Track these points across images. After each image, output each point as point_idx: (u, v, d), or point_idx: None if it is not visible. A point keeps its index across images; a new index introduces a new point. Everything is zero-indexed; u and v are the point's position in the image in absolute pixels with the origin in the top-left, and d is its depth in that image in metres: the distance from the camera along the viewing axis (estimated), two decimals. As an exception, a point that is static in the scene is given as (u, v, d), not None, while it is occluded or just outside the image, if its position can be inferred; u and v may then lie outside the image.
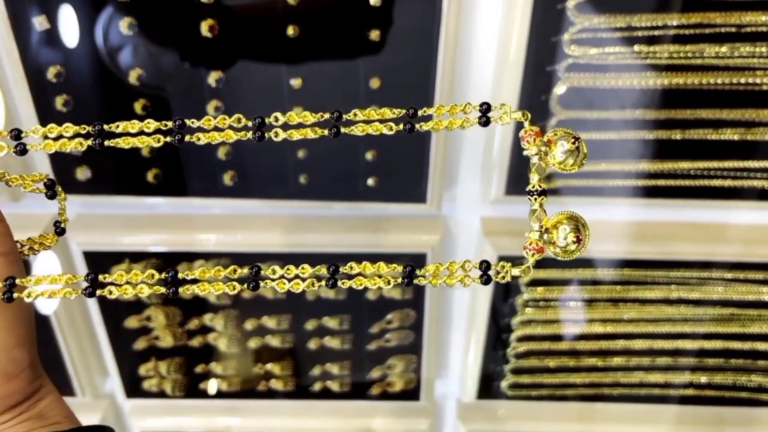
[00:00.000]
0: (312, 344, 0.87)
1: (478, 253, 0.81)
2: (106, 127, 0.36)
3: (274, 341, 0.87)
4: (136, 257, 0.79)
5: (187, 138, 0.36)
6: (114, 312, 0.84)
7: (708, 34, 0.66)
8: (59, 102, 0.67)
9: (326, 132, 0.36)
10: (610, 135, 0.71)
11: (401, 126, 0.36)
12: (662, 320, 0.84)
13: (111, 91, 0.68)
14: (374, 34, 0.65)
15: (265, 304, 0.85)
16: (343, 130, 0.36)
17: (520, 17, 0.64)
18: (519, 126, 0.75)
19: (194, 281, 0.37)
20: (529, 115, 0.36)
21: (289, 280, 0.36)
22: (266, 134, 0.36)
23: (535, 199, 0.36)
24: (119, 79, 0.67)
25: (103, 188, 0.74)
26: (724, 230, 0.79)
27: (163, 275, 0.37)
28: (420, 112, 0.36)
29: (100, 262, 0.79)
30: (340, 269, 0.36)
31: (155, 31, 0.65)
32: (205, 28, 0.64)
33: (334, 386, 0.91)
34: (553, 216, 0.37)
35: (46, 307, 0.82)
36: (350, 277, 0.36)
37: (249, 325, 0.86)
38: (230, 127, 0.36)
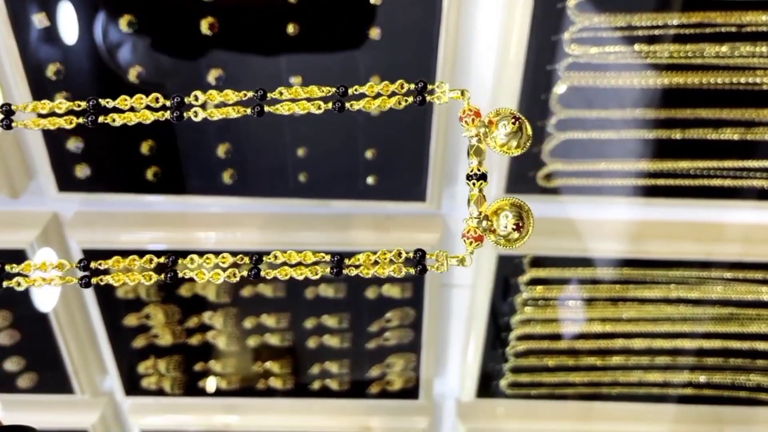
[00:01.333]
0: (311, 342, 0.87)
1: (478, 252, 0.81)
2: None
3: (273, 339, 0.87)
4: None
5: (101, 119, 0.35)
6: (113, 310, 0.84)
7: (708, 33, 0.66)
8: (58, 99, 0.67)
9: (249, 111, 0.35)
10: (610, 134, 0.71)
11: (330, 105, 0.35)
12: (661, 319, 0.84)
13: (110, 88, 0.68)
14: (374, 33, 0.65)
15: (265, 302, 0.85)
16: (268, 109, 0.35)
17: (520, 16, 0.64)
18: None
19: (105, 272, 0.36)
20: (469, 94, 0.35)
21: (209, 271, 0.36)
22: (185, 114, 0.35)
23: (474, 183, 0.35)
24: (118, 77, 0.67)
25: (103, 186, 0.73)
26: (723, 230, 0.79)
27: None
28: (351, 91, 0.35)
29: (99, 259, 0.79)
30: (264, 259, 0.35)
31: (155, 29, 0.65)
32: (205, 26, 0.64)
33: (333, 385, 0.91)
34: (494, 202, 0.35)
35: (44, 304, 0.82)
36: (274, 266, 0.35)
37: (248, 323, 0.86)
38: (147, 107, 0.35)
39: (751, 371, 0.88)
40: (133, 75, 0.67)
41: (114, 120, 0.35)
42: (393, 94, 0.35)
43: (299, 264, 0.35)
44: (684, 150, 0.72)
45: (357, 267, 0.35)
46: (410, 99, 0.35)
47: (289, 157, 0.72)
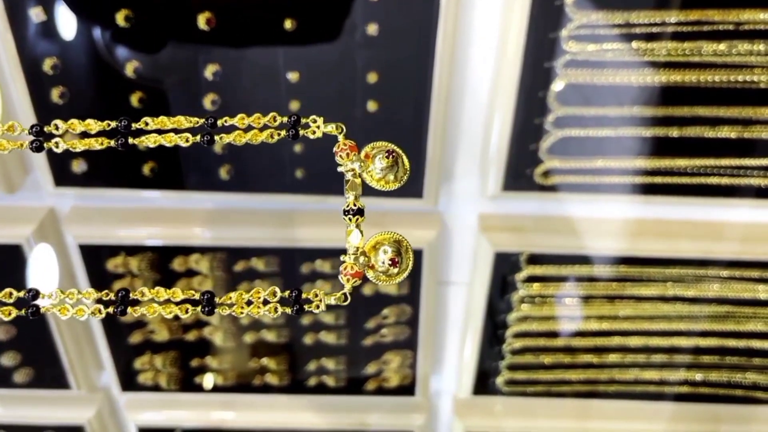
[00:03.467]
0: (307, 339, 0.87)
1: (475, 250, 0.81)
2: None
3: (269, 336, 0.87)
4: (131, 251, 0.79)
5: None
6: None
7: (706, 31, 0.66)
8: (55, 94, 0.67)
9: (113, 143, 0.34)
10: (608, 131, 0.71)
11: (198, 138, 0.34)
12: (658, 317, 0.84)
13: (107, 83, 0.68)
14: (372, 29, 0.65)
15: (261, 299, 0.84)
16: (133, 141, 0.34)
17: (518, 13, 0.64)
18: (520, 121, 0.75)
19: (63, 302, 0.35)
20: (344, 128, 0.34)
21: (73, 306, 0.35)
22: (46, 144, 0.34)
23: (350, 218, 0.34)
24: (116, 72, 0.67)
25: (99, 181, 0.73)
26: (720, 228, 0.79)
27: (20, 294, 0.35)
28: (220, 122, 0.34)
29: (95, 255, 0.79)
30: (131, 295, 0.35)
31: (152, 24, 0.65)
32: (202, 21, 0.64)
33: (329, 381, 0.91)
34: (372, 237, 0.34)
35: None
36: (140, 303, 0.34)
37: (244, 319, 0.86)
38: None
39: (748, 369, 0.89)
40: (130, 70, 0.66)
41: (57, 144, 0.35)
42: (265, 127, 0.34)
43: (167, 301, 0.35)
44: (681, 148, 0.72)
45: (230, 306, 0.35)
46: (283, 133, 0.34)
47: (287, 153, 0.72)
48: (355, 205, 0.34)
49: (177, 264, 0.80)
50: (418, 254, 0.79)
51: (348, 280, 0.34)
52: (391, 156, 0.34)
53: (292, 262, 0.80)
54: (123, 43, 0.66)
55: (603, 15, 0.65)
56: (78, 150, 0.35)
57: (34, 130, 0.35)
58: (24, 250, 0.77)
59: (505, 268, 0.81)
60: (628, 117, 0.71)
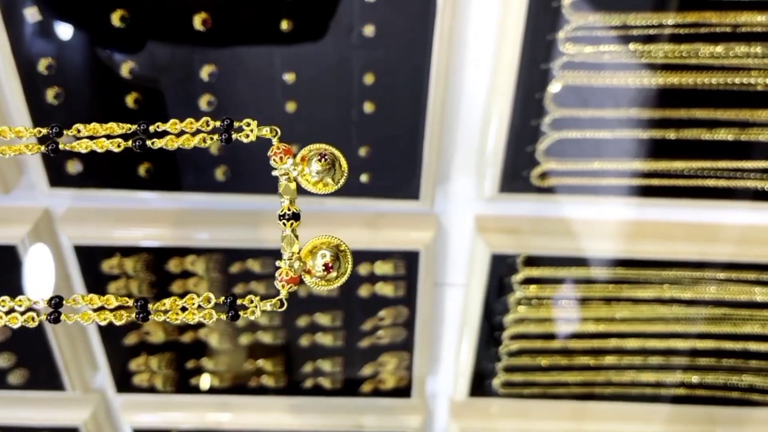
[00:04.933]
0: (304, 341, 0.87)
1: (472, 251, 0.80)
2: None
3: (265, 337, 0.87)
4: (127, 252, 0.79)
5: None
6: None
7: (703, 33, 0.66)
8: (50, 94, 0.67)
9: (43, 149, 0.34)
10: (605, 134, 0.71)
11: (130, 143, 0.33)
12: (655, 319, 0.84)
13: (103, 84, 0.68)
14: (369, 30, 0.65)
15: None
16: (63, 147, 0.34)
17: (515, 14, 0.64)
18: (516, 122, 0.75)
19: None
20: (278, 131, 0.33)
21: (7, 314, 0.34)
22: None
23: (285, 223, 0.33)
24: (111, 72, 0.66)
25: (94, 181, 0.73)
26: (717, 230, 0.79)
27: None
28: (152, 128, 0.33)
29: (91, 256, 0.79)
30: (65, 302, 0.34)
31: (148, 24, 0.65)
32: (198, 21, 0.64)
33: (325, 383, 0.91)
34: (309, 242, 0.34)
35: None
36: (76, 310, 0.34)
37: (241, 321, 0.85)
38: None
39: (744, 372, 0.88)
40: (125, 70, 0.66)
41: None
42: (197, 132, 0.34)
43: (102, 308, 0.34)
44: (678, 150, 0.72)
45: (165, 312, 0.34)
46: (215, 137, 0.34)
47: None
48: (290, 209, 0.33)
49: (173, 265, 0.80)
50: (414, 256, 0.79)
51: (283, 286, 0.33)
52: (325, 158, 0.33)
53: (288, 263, 0.80)
54: (118, 43, 0.65)
55: (600, 17, 0.65)
56: (8, 157, 0.35)
57: (54, 130, 0.34)
58: (19, 251, 0.76)
59: (501, 269, 0.81)
60: (625, 119, 0.71)
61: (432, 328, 0.88)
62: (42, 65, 0.65)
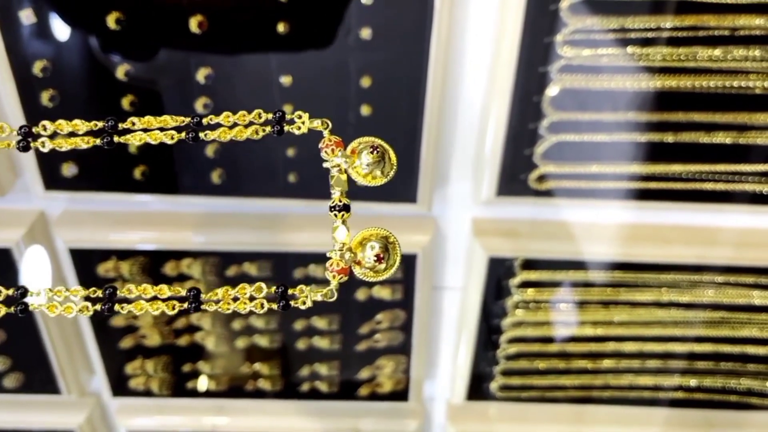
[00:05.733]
0: (300, 344, 0.87)
1: (470, 254, 0.80)
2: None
3: (262, 341, 0.86)
4: (123, 255, 0.78)
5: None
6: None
7: (701, 36, 0.66)
8: (45, 97, 0.67)
9: (99, 141, 0.34)
10: (603, 137, 0.71)
11: (183, 135, 0.34)
12: (653, 323, 0.84)
13: (98, 86, 0.67)
14: (366, 33, 0.65)
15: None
16: (118, 140, 0.34)
17: (512, 17, 0.63)
18: (514, 125, 0.75)
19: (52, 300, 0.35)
20: (329, 124, 0.34)
21: (61, 304, 0.35)
22: (32, 144, 0.34)
23: (336, 215, 0.34)
24: (107, 75, 0.66)
25: (90, 184, 0.73)
26: (715, 233, 0.79)
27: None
28: (205, 121, 0.34)
29: (86, 259, 0.78)
30: (118, 292, 0.34)
31: (143, 27, 0.65)
32: (194, 24, 0.63)
33: (322, 387, 0.91)
34: (359, 233, 0.34)
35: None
36: (129, 301, 0.34)
37: (237, 324, 0.85)
38: None
39: (742, 375, 0.88)
40: (121, 73, 0.66)
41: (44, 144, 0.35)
42: (250, 124, 0.34)
43: (155, 298, 0.34)
44: (676, 153, 0.72)
45: (216, 302, 0.34)
46: (267, 129, 0.34)
47: (279, 157, 0.71)
48: (341, 201, 0.34)
49: (169, 268, 0.80)
50: (412, 259, 0.79)
51: (334, 277, 0.34)
52: (376, 151, 0.33)
53: (285, 266, 0.80)
54: (114, 46, 0.65)
55: (598, 20, 0.65)
56: (64, 149, 0.35)
57: (22, 130, 0.34)
58: (13, 254, 0.76)
59: (499, 273, 0.80)
60: (623, 122, 0.70)
61: (429, 332, 0.88)
62: (37, 67, 0.65)
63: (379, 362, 0.89)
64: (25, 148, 0.35)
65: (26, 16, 0.63)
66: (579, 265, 0.80)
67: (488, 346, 0.87)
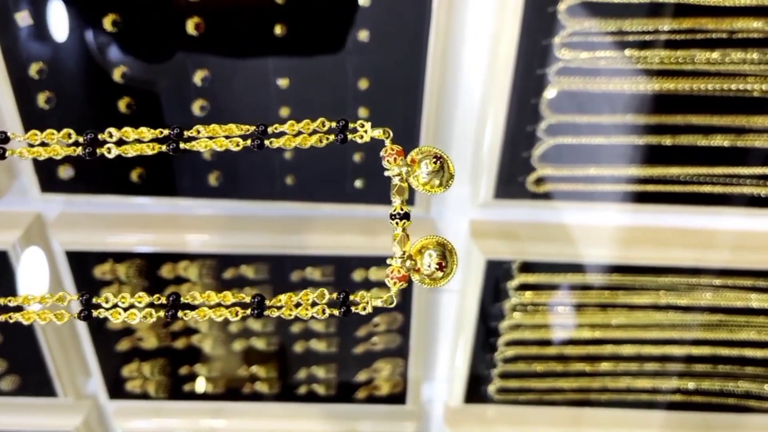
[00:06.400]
0: (298, 347, 0.87)
1: (467, 257, 0.80)
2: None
3: (259, 343, 0.86)
4: (119, 257, 0.78)
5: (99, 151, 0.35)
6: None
7: (699, 39, 0.66)
8: (42, 99, 0.66)
9: (164, 148, 0.35)
10: (600, 139, 0.71)
11: (249, 142, 0.35)
12: (650, 326, 0.84)
13: (95, 88, 0.67)
14: (363, 35, 0.64)
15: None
16: (184, 146, 0.35)
17: (510, 20, 0.63)
18: (512, 128, 0.74)
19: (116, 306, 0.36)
20: (391, 133, 0.34)
21: (125, 310, 0.35)
22: (98, 150, 0.35)
23: (397, 223, 0.34)
24: (103, 77, 0.66)
25: (86, 187, 0.72)
26: (713, 236, 0.79)
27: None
28: (270, 129, 0.35)
29: (83, 261, 0.78)
30: (182, 299, 0.35)
31: (140, 29, 0.64)
32: (191, 26, 0.63)
33: (320, 389, 0.90)
34: (417, 241, 0.35)
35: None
36: (193, 307, 0.35)
37: (234, 327, 0.85)
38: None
39: (740, 378, 0.88)
40: (117, 75, 0.66)
41: (22, 154, 0.35)
42: (314, 132, 0.35)
43: (218, 305, 0.35)
44: (674, 156, 0.72)
45: (279, 308, 0.35)
46: (331, 137, 0.35)
47: (277, 160, 0.71)
48: (402, 209, 0.34)
49: (165, 271, 0.79)
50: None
51: (395, 284, 0.34)
52: (438, 161, 0.34)
53: (282, 269, 0.80)
54: (111, 47, 0.65)
55: (596, 22, 0.65)
56: (130, 155, 0.36)
57: (87, 137, 0.35)
58: (10, 256, 0.76)
59: (497, 275, 0.80)
60: (621, 125, 0.70)
61: (427, 335, 0.88)
62: (33, 70, 0.65)
63: (377, 365, 0.88)
64: (91, 155, 0.35)
65: (22, 18, 0.63)
66: (577, 268, 0.80)
67: (486, 348, 0.87)
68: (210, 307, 0.35)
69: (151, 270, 0.79)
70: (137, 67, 0.66)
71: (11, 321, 0.36)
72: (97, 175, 0.73)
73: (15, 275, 0.77)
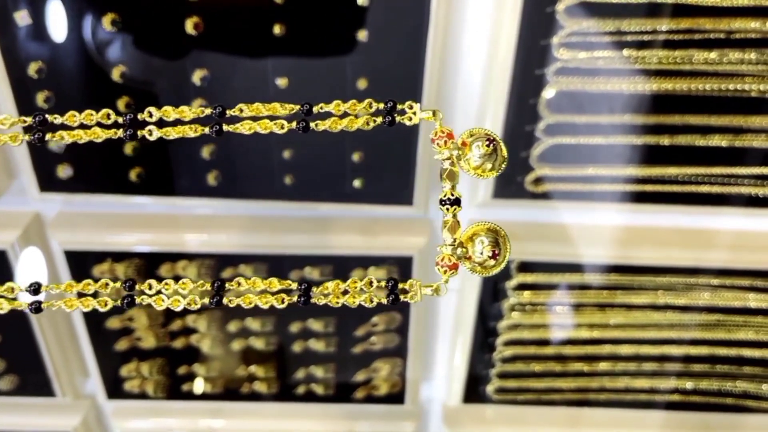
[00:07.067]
0: (296, 346, 0.87)
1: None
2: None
3: (258, 343, 0.86)
4: (118, 257, 0.78)
5: (48, 137, 0.34)
6: (95, 312, 0.83)
7: (697, 39, 0.66)
8: (41, 98, 0.66)
9: (207, 130, 0.33)
10: (599, 139, 0.71)
11: (294, 124, 0.33)
12: (649, 326, 0.84)
13: (94, 88, 0.67)
14: (362, 35, 0.64)
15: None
16: (227, 128, 0.33)
17: (509, 20, 0.63)
18: (510, 128, 0.74)
19: (160, 293, 0.35)
20: (441, 115, 0.33)
21: (168, 297, 0.34)
22: (139, 132, 0.33)
23: (448, 208, 0.33)
24: (102, 76, 0.66)
25: (85, 186, 0.72)
26: (711, 236, 0.79)
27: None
28: (315, 109, 0.33)
29: (81, 261, 0.78)
30: (227, 285, 0.34)
31: (139, 28, 0.64)
32: (189, 25, 0.63)
33: (318, 389, 0.90)
34: (468, 227, 0.34)
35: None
36: (238, 295, 0.34)
37: (232, 326, 0.85)
38: (99, 124, 0.34)
39: (738, 378, 0.88)
40: (116, 74, 0.66)
41: (63, 137, 0.34)
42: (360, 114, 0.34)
43: (264, 291, 0.34)
44: (672, 156, 0.72)
45: (326, 296, 0.34)
46: (379, 119, 0.34)
47: (275, 159, 0.71)
48: (452, 194, 0.33)
49: (164, 270, 0.79)
50: (408, 261, 0.78)
51: (445, 272, 0.33)
52: (491, 144, 0.32)
53: (280, 268, 0.80)
54: (110, 47, 0.65)
55: (594, 22, 0.65)
56: (172, 137, 0.34)
57: (127, 118, 0.34)
58: (8, 255, 0.76)
59: (495, 275, 0.80)
60: (619, 125, 0.70)
61: (425, 334, 0.88)
62: (32, 69, 0.65)
63: (376, 365, 0.88)
64: (132, 137, 0.34)
65: (21, 18, 0.63)
66: (575, 268, 0.80)
67: (484, 348, 0.87)
68: (256, 294, 0.34)
69: (149, 269, 0.79)
70: (136, 67, 0.66)
71: (54, 308, 0.35)
72: (95, 175, 0.73)
73: (14, 275, 0.77)
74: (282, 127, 0.34)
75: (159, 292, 0.35)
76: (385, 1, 0.63)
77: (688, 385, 0.89)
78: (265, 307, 0.34)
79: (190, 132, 0.34)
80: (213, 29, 0.64)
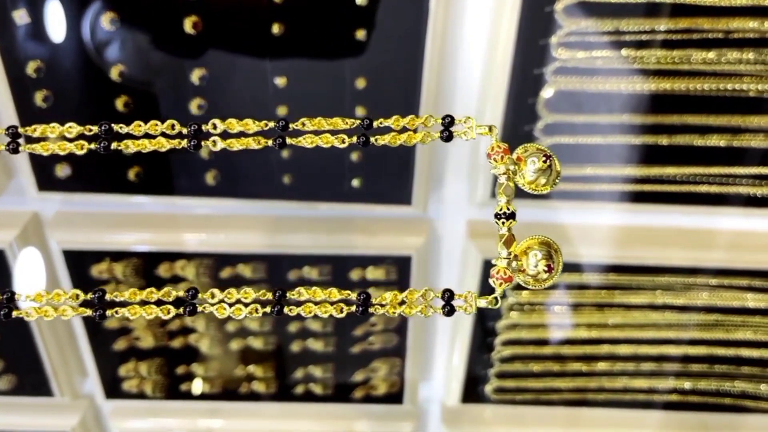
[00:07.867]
0: (295, 346, 0.87)
1: (464, 256, 0.80)
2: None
3: (256, 343, 0.86)
4: (117, 256, 0.78)
5: (114, 145, 0.34)
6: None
7: (696, 39, 0.66)
8: (39, 97, 0.66)
9: (270, 142, 0.34)
10: (597, 139, 0.71)
11: (354, 139, 0.34)
12: (647, 326, 0.84)
13: (92, 87, 0.67)
14: (360, 34, 0.65)
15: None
16: (289, 141, 0.34)
17: (507, 19, 0.63)
18: (509, 127, 0.74)
19: (123, 304, 0.35)
20: (496, 130, 0.34)
21: (230, 305, 0.35)
22: (203, 143, 0.34)
23: (503, 223, 0.34)
24: (101, 76, 0.66)
25: (83, 186, 0.72)
26: (709, 236, 0.79)
27: (89, 296, 0.35)
28: (375, 123, 0.34)
29: (80, 261, 0.78)
30: (288, 294, 0.34)
31: (138, 28, 0.64)
32: (188, 24, 0.63)
33: (317, 389, 0.90)
34: (523, 241, 0.34)
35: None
36: (298, 303, 0.34)
37: (231, 326, 0.85)
38: (163, 134, 0.34)
39: (736, 378, 0.88)
40: (115, 73, 0.66)
41: (128, 146, 0.34)
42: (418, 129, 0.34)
43: (324, 301, 0.35)
44: (671, 156, 0.72)
45: (383, 306, 0.34)
46: (436, 135, 0.34)
47: (274, 159, 0.71)
48: (508, 208, 0.33)
49: (162, 270, 0.79)
50: (406, 261, 0.78)
51: (500, 285, 0.33)
52: (547, 159, 0.33)
53: (279, 268, 0.80)
54: (108, 46, 0.65)
55: (593, 22, 0.65)
56: (147, 150, 0.34)
57: (102, 128, 0.34)
58: (6, 255, 0.75)
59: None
60: (617, 124, 0.71)
61: (424, 334, 0.88)
62: (30, 68, 0.65)
63: (374, 365, 0.88)
64: (196, 147, 0.34)
65: (20, 17, 0.63)
66: (574, 268, 0.80)
67: (483, 348, 0.87)
68: (315, 304, 0.35)
69: (148, 269, 0.79)
70: (135, 66, 0.66)
71: (117, 315, 0.35)
72: (94, 174, 0.73)
73: (12, 275, 0.77)
74: (343, 142, 0.34)
75: (222, 301, 0.35)
76: (383, 0, 0.63)
77: (687, 385, 0.89)
78: (325, 316, 0.34)
79: (254, 144, 0.34)
80: (212, 28, 0.64)
